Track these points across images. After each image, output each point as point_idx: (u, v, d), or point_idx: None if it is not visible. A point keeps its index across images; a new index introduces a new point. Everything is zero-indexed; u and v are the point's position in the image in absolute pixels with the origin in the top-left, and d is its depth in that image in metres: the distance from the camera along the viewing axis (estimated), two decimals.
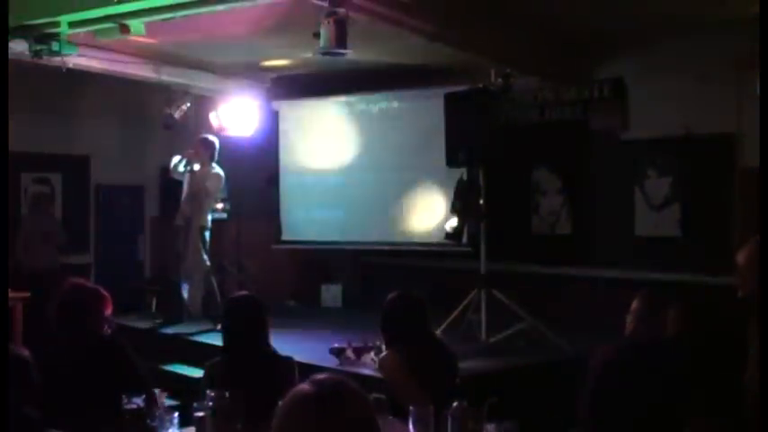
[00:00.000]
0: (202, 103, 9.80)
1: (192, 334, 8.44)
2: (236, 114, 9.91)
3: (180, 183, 9.00)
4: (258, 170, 10.63)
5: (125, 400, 3.27)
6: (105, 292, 3.99)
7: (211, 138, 9.03)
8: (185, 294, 8.96)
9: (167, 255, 10.43)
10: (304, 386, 1.84)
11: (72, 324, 3.84)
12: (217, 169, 8.90)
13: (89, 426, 3.24)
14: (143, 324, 8.99)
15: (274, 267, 10.41)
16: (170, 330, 8.80)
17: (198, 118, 9.79)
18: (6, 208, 9.02)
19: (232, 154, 9.52)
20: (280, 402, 1.87)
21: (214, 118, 9.81)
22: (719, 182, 7.99)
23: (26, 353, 3.05)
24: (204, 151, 8.84)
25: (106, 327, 3.94)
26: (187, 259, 8.86)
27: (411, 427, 3.14)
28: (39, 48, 6.40)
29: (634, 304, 4.08)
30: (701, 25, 7.50)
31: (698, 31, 7.62)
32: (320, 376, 1.88)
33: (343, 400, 1.82)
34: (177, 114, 9.26)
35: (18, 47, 6.59)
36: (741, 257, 3.43)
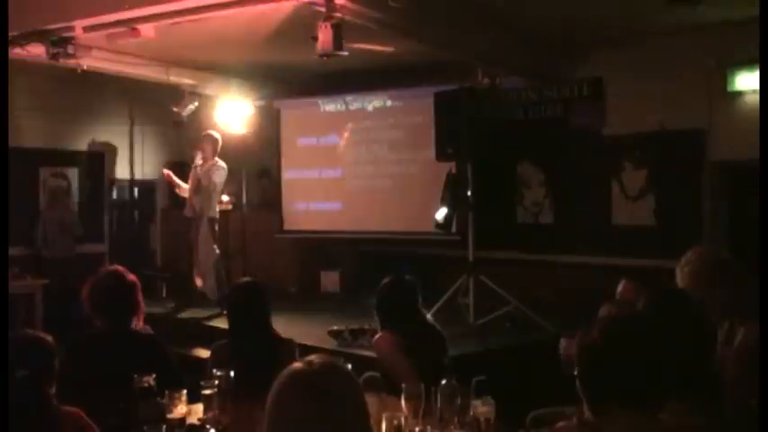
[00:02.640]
0: (208, 101, 9.78)
1: (200, 318, 8.44)
2: (240, 112, 9.90)
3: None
4: (260, 165, 10.62)
5: (136, 379, 3.26)
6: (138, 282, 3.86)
7: (214, 133, 9.02)
8: (198, 282, 8.96)
9: (177, 244, 10.44)
10: (297, 364, 1.85)
11: (111, 309, 3.71)
12: (221, 163, 8.90)
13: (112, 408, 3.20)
14: (156, 309, 8.97)
15: (277, 255, 10.41)
16: (181, 315, 8.80)
17: (205, 116, 9.78)
18: (6, 208, 9.00)
19: (236, 150, 9.51)
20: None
21: (219, 116, 9.80)
22: (691, 174, 8.00)
23: (50, 338, 2.96)
24: (208, 146, 8.82)
25: (141, 317, 3.84)
26: (198, 248, 8.86)
27: (403, 402, 3.14)
28: (56, 51, 6.38)
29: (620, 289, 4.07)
30: (675, 28, 7.51)
31: (672, 33, 7.63)
32: (313, 356, 1.89)
33: (332, 378, 1.84)
34: (185, 113, 9.26)
35: (36, 50, 6.58)
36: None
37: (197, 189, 8.81)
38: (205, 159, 8.81)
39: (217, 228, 8.89)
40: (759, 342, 2.87)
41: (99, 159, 11.15)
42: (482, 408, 2.99)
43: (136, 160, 11.27)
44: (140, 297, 3.82)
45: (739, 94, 7.55)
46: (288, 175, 10.63)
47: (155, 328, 4.14)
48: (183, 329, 8.31)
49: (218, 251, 8.87)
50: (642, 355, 2.11)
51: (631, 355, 2.10)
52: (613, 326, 2.20)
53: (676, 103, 7.95)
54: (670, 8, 6.65)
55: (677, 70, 7.87)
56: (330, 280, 10.38)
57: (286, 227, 10.54)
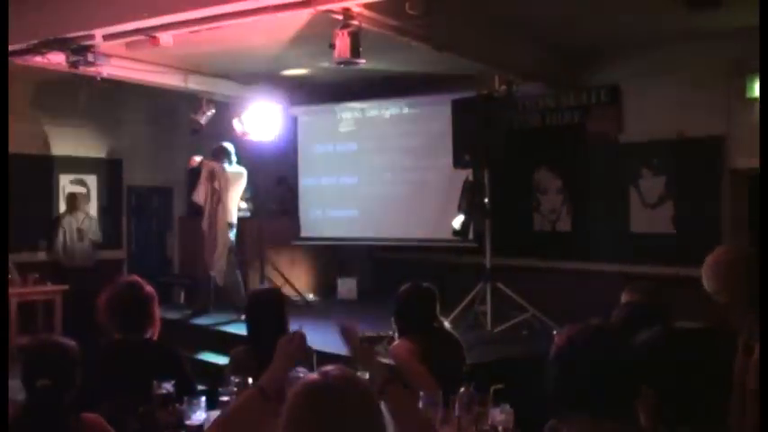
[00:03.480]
0: (226, 109, 9.82)
1: (218, 324, 8.45)
2: (258, 120, 9.92)
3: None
4: (278, 172, 10.65)
5: (156, 385, 3.27)
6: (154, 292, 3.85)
7: (223, 144, 9.08)
8: (219, 283, 8.96)
9: (194, 251, 10.47)
10: (312, 376, 1.85)
11: (127, 320, 3.70)
12: (239, 169, 8.92)
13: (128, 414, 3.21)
14: (173, 315, 9.01)
15: (294, 262, 10.43)
16: (198, 321, 8.82)
17: (222, 123, 9.81)
18: (6, 207, 9.06)
19: (254, 157, 9.54)
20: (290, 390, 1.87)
21: (237, 124, 9.83)
22: (710, 181, 7.95)
23: (73, 344, 2.95)
24: (220, 158, 8.90)
25: (156, 329, 3.82)
26: (217, 254, 8.87)
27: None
28: (75, 59, 6.43)
29: (625, 297, 4.06)
30: (693, 34, 7.47)
31: (689, 39, 7.60)
32: (329, 367, 1.89)
33: (348, 390, 1.83)
34: (203, 120, 9.29)
35: (56, 58, 6.63)
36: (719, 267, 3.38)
37: (216, 197, 8.83)
38: (221, 169, 8.85)
39: (235, 234, 8.92)
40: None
41: (117, 166, 11.22)
42: (501, 416, 2.98)
43: (154, 167, 11.33)
44: (156, 309, 3.81)
45: (758, 100, 7.50)
46: (305, 182, 10.66)
47: (171, 333, 4.13)
48: (198, 335, 8.35)
49: (235, 257, 8.90)
50: (600, 363, 2.11)
51: (587, 362, 2.10)
52: (578, 333, 2.20)
53: (694, 110, 7.91)
54: (689, 14, 6.63)
55: (695, 77, 7.84)
56: (347, 287, 10.38)
57: (303, 234, 10.56)
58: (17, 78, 8.46)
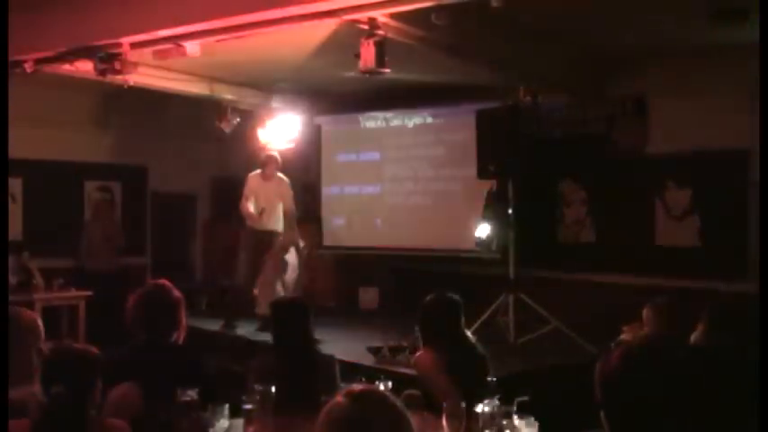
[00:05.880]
0: (251, 117, 9.87)
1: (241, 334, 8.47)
2: (281, 128, 9.97)
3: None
4: (302, 180, 10.69)
5: (179, 392, 3.28)
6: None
7: (273, 153, 9.06)
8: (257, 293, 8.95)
9: (218, 258, 10.52)
10: (340, 399, 1.87)
11: (154, 323, 3.71)
12: (286, 179, 8.94)
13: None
14: (196, 323, 8.97)
15: (316, 271, 10.44)
16: (233, 331, 8.69)
17: (247, 131, 9.87)
18: (6, 207, 9.15)
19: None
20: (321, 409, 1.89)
21: (261, 132, 9.88)
22: (736, 194, 7.87)
23: (94, 350, 2.95)
24: (272, 168, 8.82)
25: (182, 334, 3.84)
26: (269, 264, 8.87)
27: (444, 421, 3.12)
28: (103, 67, 6.49)
29: (647, 313, 4.03)
30: (719, 46, 7.42)
31: (716, 52, 7.55)
32: (356, 388, 1.92)
33: (376, 413, 1.84)
34: (228, 128, 9.34)
35: (84, 66, 6.71)
36: None
37: (268, 206, 8.74)
38: (274, 177, 8.80)
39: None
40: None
41: (142, 173, 11.31)
42: (526, 429, 2.97)
43: (178, 174, 11.40)
44: (183, 314, 3.83)
45: None
46: (328, 190, 10.68)
47: (195, 341, 4.14)
48: (222, 343, 8.36)
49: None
50: (663, 385, 2.04)
51: (650, 384, 2.02)
52: (631, 353, 2.12)
53: (720, 122, 7.84)
54: (715, 27, 6.59)
55: (721, 88, 7.77)
56: (369, 296, 10.39)
57: (325, 242, 10.58)
58: (50, 85, 8.57)
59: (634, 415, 2.01)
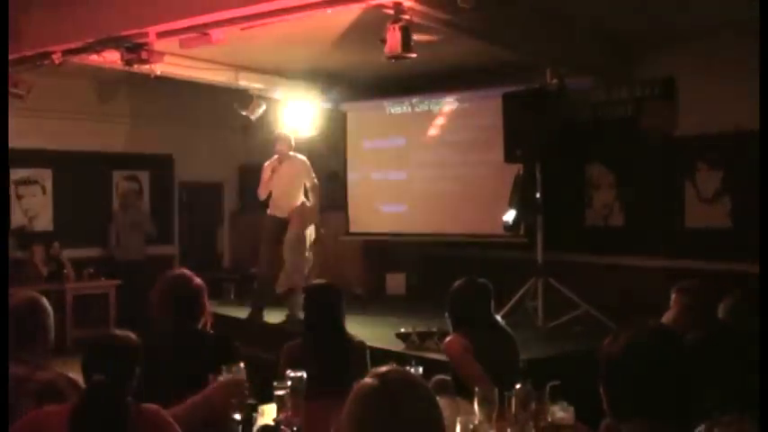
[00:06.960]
0: (277, 105, 9.88)
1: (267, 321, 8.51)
2: (308, 115, 9.98)
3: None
4: (328, 167, 10.70)
5: (211, 378, 3.30)
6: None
7: (282, 133, 8.93)
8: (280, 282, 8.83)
9: (245, 246, 10.57)
10: (369, 379, 1.86)
11: (180, 311, 3.73)
12: (301, 157, 8.76)
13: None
14: (222, 310, 9.03)
15: (343, 257, 10.47)
16: (261, 319, 8.62)
17: (272, 119, 9.89)
18: (7, 207, 9.25)
19: (304, 152, 9.58)
20: (350, 393, 1.88)
21: (287, 119, 9.90)
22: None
23: (134, 337, 2.98)
24: (282, 147, 8.63)
25: (208, 320, 3.86)
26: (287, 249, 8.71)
27: (476, 406, 3.12)
28: (130, 57, 6.53)
29: (677, 296, 4.00)
30: (749, 22, 7.30)
31: (745, 29, 7.43)
32: (383, 369, 1.90)
33: (407, 392, 1.84)
34: (253, 116, 9.36)
35: (111, 56, 6.75)
36: None
37: (284, 189, 8.61)
38: (287, 159, 8.61)
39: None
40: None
41: (169, 162, 11.39)
42: (561, 413, 2.96)
43: (205, 163, 11.47)
44: (206, 300, 3.84)
45: None
46: (354, 177, 10.68)
47: (223, 328, 4.17)
48: (251, 331, 8.41)
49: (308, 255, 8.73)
50: (662, 368, 2.10)
51: (649, 367, 2.11)
52: (634, 338, 2.18)
53: (751, 102, 7.72)
54: (747, 3, 6.48)
55: (752, 67, 7.65)
56: (396, 282, 10.39)
57: (352, 228, 10.60)
58: (78, 76, 8.64)
59: (632, 396, 2.11)
